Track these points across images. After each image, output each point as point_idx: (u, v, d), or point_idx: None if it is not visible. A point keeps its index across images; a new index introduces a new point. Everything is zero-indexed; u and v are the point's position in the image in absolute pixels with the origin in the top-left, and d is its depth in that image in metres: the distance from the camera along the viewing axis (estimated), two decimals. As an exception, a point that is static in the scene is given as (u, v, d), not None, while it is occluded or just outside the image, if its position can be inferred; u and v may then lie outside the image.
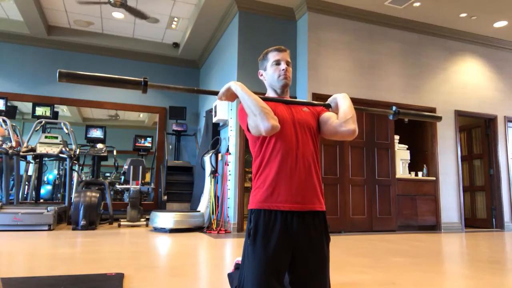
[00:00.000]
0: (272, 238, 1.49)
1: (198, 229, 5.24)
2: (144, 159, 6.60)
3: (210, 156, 5.63)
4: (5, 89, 6.68)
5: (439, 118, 2.01)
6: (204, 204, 5.45)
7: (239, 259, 1.84)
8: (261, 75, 1.78)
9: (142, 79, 1.49)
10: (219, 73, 6.43)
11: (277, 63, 1.69)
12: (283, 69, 1.68)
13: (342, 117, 1.63)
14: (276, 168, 1.55)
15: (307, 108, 1.73)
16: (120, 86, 1.50)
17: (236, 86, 1.57)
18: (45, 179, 7.51)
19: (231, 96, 1.61)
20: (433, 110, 6.06)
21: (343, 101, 1.68)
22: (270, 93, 1.75)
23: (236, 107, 5.33)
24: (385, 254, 3.46)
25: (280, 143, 1.57)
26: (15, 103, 6.84)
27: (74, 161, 5.99)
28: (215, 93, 1.63)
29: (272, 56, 1.71)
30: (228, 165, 5.33)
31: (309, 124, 1.66)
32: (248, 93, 1.54)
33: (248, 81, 5.25)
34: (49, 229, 4.83)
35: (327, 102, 1.74)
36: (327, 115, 1.71)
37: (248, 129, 1.58)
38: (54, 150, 5.59)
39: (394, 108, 1.86)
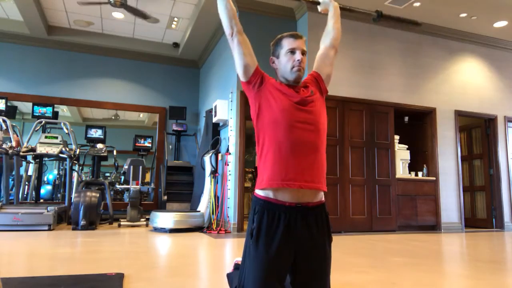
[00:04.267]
0: (275, 239, 1.47)
1: (198, 229, 5.24)
2: (144, 159, 6.59)
3: (210, 156, 5.63)
4: (5, 89, 6.68)
5: (420, 25, 2.18)
6: (204, 204, 5.45)
7: (239, 259, 1.83)
8: (273, 62, 1.67)
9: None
10: (219, 73, 6.43)
11: (292, 51, 1.59)
12: (298, 60, 1.57)
13: (330, 17, 2.04)
14: (285, 146, 1.50)
15: (312, 88, 1.65)
16: None
17: None
18: (45, 179, 7.51)
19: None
20: (433, 110, 6.06)
21: (334, 12, 2.06)
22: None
23: (236, 107, 5.33)
24: (385, 254, 3.46)
25: (288, 124, 1.52)
26: (15, 103, 6.84)
27: (74, 161, 5.98)
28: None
29: (288, 43, 1.60)
30: (228, 165, 5.33)
31: (318, 105, 1.61)
32: None
33: (248, 81, 5.25)
34: (49, 229, 4.83)
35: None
36: (320, 63, 1.82)
37: (247, 82, 1.61)
38: (54, 150, 5.59)
39: (376, 11, 2.01)
